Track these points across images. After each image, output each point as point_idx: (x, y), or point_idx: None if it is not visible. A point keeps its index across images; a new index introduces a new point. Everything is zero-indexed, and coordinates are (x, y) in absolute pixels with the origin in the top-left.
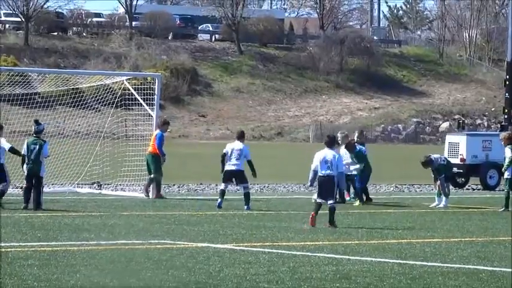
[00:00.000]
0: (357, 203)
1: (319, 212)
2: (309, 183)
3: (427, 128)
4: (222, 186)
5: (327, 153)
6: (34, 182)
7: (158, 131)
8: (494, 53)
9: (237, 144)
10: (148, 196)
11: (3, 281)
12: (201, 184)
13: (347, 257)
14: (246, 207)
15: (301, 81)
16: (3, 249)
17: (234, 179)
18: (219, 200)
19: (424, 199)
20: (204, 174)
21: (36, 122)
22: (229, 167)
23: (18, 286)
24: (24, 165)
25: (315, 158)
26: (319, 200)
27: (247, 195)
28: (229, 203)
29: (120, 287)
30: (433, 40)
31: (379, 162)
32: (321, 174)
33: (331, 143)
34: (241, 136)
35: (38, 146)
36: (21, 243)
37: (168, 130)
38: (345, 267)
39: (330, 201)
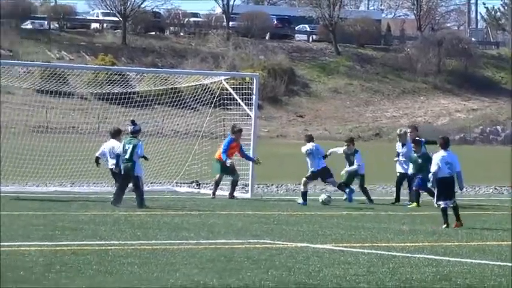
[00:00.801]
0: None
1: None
2: (430, 185)
3: None
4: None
5: (445, 154)
6: (130, 181)
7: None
8: None
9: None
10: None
11: (104, 279)
12: (299, 184)
13: (447, 258)
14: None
15: (398, 82)
16: (103, 247)
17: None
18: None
19: None
20: (302, 174)
21: (133, 122)
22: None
23: (118, 284)
24: (121, 165)
25: (434, 159)
26: (441, 203)
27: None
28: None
29: (220, 286)
30: None
31: (477, 164)
32: (443, 176)
33: (446, 144)
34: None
35: (131, 146)
36: (121, 242)
37: (263, 131)
38: (445, 269)
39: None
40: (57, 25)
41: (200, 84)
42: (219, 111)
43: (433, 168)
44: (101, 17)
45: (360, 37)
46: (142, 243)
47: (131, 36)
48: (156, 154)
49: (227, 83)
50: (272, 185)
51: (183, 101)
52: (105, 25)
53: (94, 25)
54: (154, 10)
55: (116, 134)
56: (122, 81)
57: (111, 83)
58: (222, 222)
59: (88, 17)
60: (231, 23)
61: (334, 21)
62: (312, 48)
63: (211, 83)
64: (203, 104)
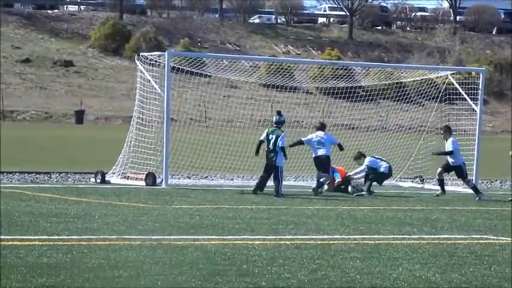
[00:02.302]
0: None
1: None
2: None
3: None
4: None
5: None
6: (272, 171)
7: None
8: None
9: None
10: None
11: (327, 273)
12: None
13: None
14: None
15: None
16: (326, 242)
17: None
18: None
19: None
20: None
21: (278, 113)
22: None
23: (340, 278)
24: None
25: None
26: None
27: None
28: None
29: (443, 281)
30: None
31: None
32: None
33: None
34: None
35: (275, 136)
36: (343, 236)
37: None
38: None
39: None
40: (284, 19)
41: (425, 78)
42: (444, 106)
43: None
44: (328, 12)
45: None
46: (365, 237)
47: (358, 31)
48: (382, 148)
49: (453, 77)
50: (496, 180)
51: (408, 96)
52: (331, 19)
53: (321, 19)
54: (381, 4)
55: (321, 128)
56: (347, 75)
57: (337, 77)
58: (445, 217)
59: (315, 12)
60: (458, 17)
61: None
62: None
63: (436, 77)
64: (428, 99)
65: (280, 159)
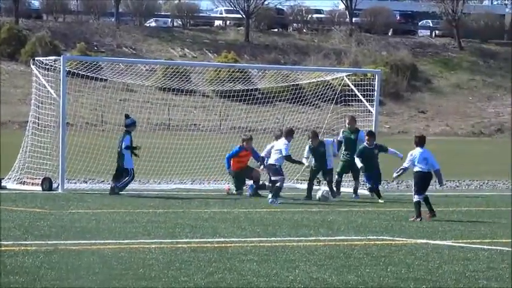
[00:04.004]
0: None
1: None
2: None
3: None
4: None
5: (422, 151)
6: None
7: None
8: None
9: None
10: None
11: (223, 276)
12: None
13: None
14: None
15: None
16: (222, 244)
17: None
18: None
19: None
20: None
21: (126, 116)
22: None
23: (237, 281)
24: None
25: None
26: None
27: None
28: (447, 199)
29: (339, 282)
30: None
31: None
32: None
33: (422, 142)
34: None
35: (121, 139)
36: (240, 239)
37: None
38: None
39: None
40: (180, 22)
41: (321, 80)
42: (340, 107)
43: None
44: (224, 14)
45: (483, 32)
46: (261, 240)
47: (254, 33)
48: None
49: (349, 79)
50: (392, 181)
51: (304, 98)
52: (228, 22)
53: (217, 22)
54: (277, 7)
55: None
56: (244, 78)
57: (233, 80)
58: (342, 218)
59: (211, 15)
60: (354, 19)
61: (457, 16)
62: (434, 43)
63: (332, 79)
64: (324, 101)
65: (127, 162)
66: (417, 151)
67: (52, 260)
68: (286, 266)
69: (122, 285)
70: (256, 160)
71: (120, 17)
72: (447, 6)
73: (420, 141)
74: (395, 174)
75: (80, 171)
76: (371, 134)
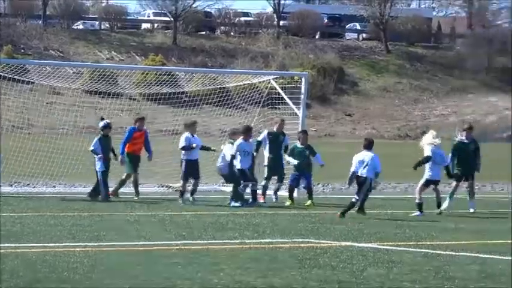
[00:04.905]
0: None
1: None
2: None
3: None
4: None
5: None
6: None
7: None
8: None
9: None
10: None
11: (148, 279)
12: (345, 183)
13: (491, 256)
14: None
15: (447, 80)
16: (147, 248)
17: None
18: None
19: None
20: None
21: (102, 119)
22: None
23: (162, 284)
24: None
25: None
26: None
27: None
28: (373, 202)
29: (264, 285)
30: None
31: None
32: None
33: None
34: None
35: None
36: (165, 242)
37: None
38: (489, 267)
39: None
40: (108, 25)
41: (249, 83)
42: (267, 110)
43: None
44: (152, 17)
45: (410, 35)
46: (186, 243)
47: (182, 36)
48: (201, 154)
49: (276, 82)
50: (318, 184)
51: (231, 101)
52: (156, 25)
53: (145, 25)
54: (205, 10)
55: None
56: (171, 81)
57: (160, 83)
58: (267, 221)
59: (139, 17)
60: (281, 22)
61: (384, 19)
62: (361, 46)
63: (259, 82)
64: (251, 104)
65: (97, 164)
66: (360, 154)
67: None
68: (211, 269)
69: (45, 287)
70: (146, 150)
71: (47, 19)
72: (374, 9)
73: (366, 145)
74: (347, 181)
75: (5, 174)
76: (305, 133)
